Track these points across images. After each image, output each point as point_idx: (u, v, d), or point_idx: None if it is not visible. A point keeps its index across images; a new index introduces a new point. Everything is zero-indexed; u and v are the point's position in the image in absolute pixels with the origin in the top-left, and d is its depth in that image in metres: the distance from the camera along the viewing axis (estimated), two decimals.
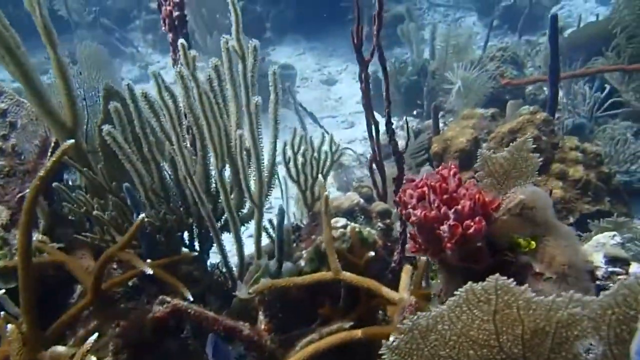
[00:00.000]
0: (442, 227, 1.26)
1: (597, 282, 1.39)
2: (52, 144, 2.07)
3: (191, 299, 1.67)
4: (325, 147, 2.22)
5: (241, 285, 1.77)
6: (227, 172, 2.01)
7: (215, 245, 2.04)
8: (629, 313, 0.85)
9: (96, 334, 1.36)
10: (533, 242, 1.33)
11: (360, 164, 4.66)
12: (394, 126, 2.19)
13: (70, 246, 1.96)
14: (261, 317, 1.76)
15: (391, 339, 1.00)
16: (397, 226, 2.07)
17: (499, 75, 4.48)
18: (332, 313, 1.71)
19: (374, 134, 2.44)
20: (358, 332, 1.51)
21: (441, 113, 4.57)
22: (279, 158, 2.04)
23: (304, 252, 1.97)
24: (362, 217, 2.17)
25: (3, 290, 1.60)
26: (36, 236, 1.91)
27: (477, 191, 1.30)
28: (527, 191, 1.37)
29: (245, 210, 2.12)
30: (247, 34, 1.92)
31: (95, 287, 1.58)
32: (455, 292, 0.91)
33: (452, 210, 1.24)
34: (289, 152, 2.13)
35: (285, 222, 1.89)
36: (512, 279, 0.91)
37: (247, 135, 1.87)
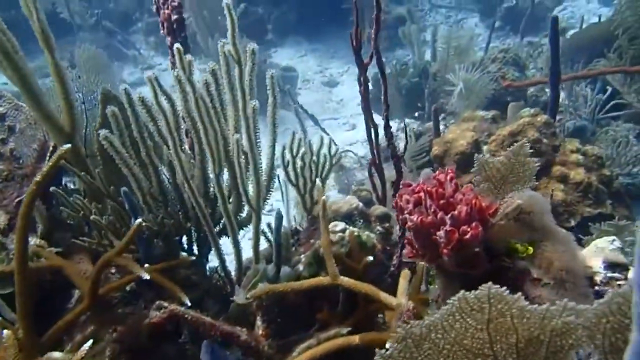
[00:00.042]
0: (438, 233, 1.25)
1: (596, 288, 1.38)
2: (51, 148, 2.07)
3: (189, 303, 1.66)
4: (324, 150, 2.21)
5: (239, 290, 1.77)
6: (226, 176, 2.00)
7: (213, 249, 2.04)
8: (624, 321, 0.84)
9: (91, 341, 1.36)
10: (530, 248, 1.32)
11: (362, 166, 4.66)
12: (395, 128, 2.18)
13: (68, 250, 1.96)
14: (259, 322, 1.76)
15: (387, 345, 1.00)
16: (397, 230, 2.06)
17: (500, 77, 4.46)
18: (330, 318, 1.70)
19: (373, 137, 2.43)
20: (355, 338, 1.50)
21: (442, 115, 4.56)
22: (277, 162, 2.04)
23: (302, 256, 1.96)
24: (361, 220, 2.16)
25: None
26: (34, 240, 1.91)
27: (473, 196, 1.29)
28: (524, 196, 1.36)
29: (244, 214, 2.11)
30: (249, 36, 1.92)
31: (92, 292, 1.58)
32: (448, 301, 0.90)
33: (449, 215, 1.24)
34: (288, 156, 2.12)
35: (285, 225, 1.88)
36: (505, 287, 0.90)
37: (245, 139, 1.86)
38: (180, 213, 2.04)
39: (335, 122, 6.51)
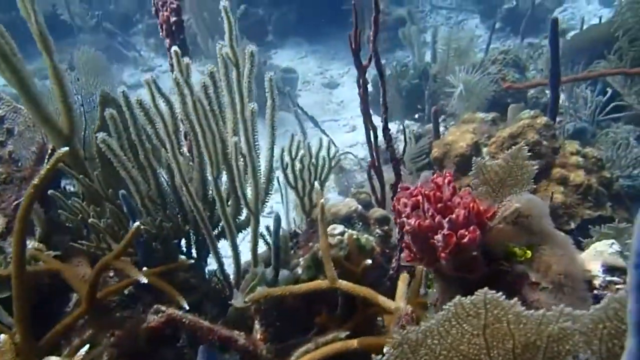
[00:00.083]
0: (436, 237, 1.25)
1: (595, 292, 1.37)
2: (49, 151, 2.07)
3: (187, 307, 1.66)
4: (323, 153, 2.20)
5: (237, 294, 1.76)
6: (225, 179, 2.00)
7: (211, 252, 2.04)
8: (621, 327, 0.83)
9: (87, 346, 1.35)
10: (529, 251, 1.31)
11: (362, 168, 4.65)
12: (395, 130, 2.18)
13: (66, 254, 1.96)
14: (257, 326, 1.75)
15: (385, 349, 0.99)
16: (396, 233, 2.05)
17: (500, 78, 4.46)
18: (328, 322, 1.70)
19: (372, 139, 2.42)
20: (354, 342, 1.50)
21: (443, 117, 4.55)
22: (276, 164, 2.03)
23: (301, 259, 1.96)
24: (360, 223, 2.15)
25: None
26: (32, 244, 1.90)
27: (471, 200, 1.29)
28: (522, 199, 1.35)
29: (242, 217, 2.11)
30: (249, 37, 1.92)
31: (90, 296, 1.57)
32: (444, 306, 0.89)
33: (447, 219, 1.23)
34: (287, 158, 2.12)
35: (284, 228, 1.88)
36: (502, 292, 0.90)
37: (243, 142, 1.86)
38: (178, 216, 2.04)
39: (335, 123, 6.51)
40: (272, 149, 1.94)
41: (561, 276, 1.27)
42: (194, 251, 2.12)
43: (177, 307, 1.66)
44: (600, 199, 2.81)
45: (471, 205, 1.26)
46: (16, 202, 1.99)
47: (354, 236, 1.86)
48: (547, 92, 3.88)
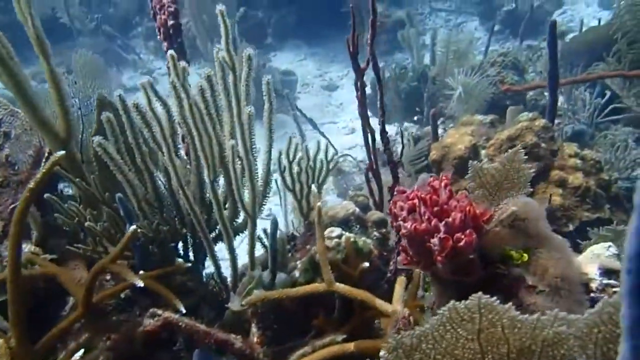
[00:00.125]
0: (432, 240, 1.24)
1: (592, 295, 1.37)
2: (46, 154, 2.07)
3: (184, 311, 1.65)
4: (321, 156, 2.20)
5: (234, 297, 1.76)
6: (222, 182, 2.00)
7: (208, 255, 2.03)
8: (616, 331, 0.83)
9: (82, 351, 1.35)
10: (525, 255, 1.31)
11: (360, 171, 4.64)
12: (394, 132, 2.18)
13: (63, 257, 1.96)
14: (254, 329, 1.75)
15: (381, 354, 0.99)
16: (394, 235, 2.05)
17: (499, 81, 4.45)
18: (326, 325, 1.69)
19: (370, 142, 2.42)
20: (351, 346, 1.49)
21: (442, 119, 4.56)
22: (274, 167, 2.03)
23: (298, 262, 1.95)
24: (358, 226, 2.15)
25: None
26: (29, 247, 1.90)
27: (468, 203, 1.28)
28: (519, 202, 1.35)
29: (239, 220, 2.10)
30: (248, 39, 1.92)
31: (86, 300, 1.57)
32: (439, 311, 0.89)
33: (443, 222, 1.23)
34: (284, 161, 2.11)
35: (282, 230, 1.88)
36: (498, 295, 0.89)
37: (240, 145, 1.86)
38: (175, 219, 2.03)
39: (334, 126, 6.51)
40: (269, 152, 1.94)
41: (558, 279, 1.27)
42: (191, 254, 2.12)
43: (174, 310, 1.65)
44: (598, 201, 2.81)
45: (468, 208, 1.26)
46: (12, 205, 1.98)
47: (352, 239, 1.85)
48: (546, 94, 3.88)
